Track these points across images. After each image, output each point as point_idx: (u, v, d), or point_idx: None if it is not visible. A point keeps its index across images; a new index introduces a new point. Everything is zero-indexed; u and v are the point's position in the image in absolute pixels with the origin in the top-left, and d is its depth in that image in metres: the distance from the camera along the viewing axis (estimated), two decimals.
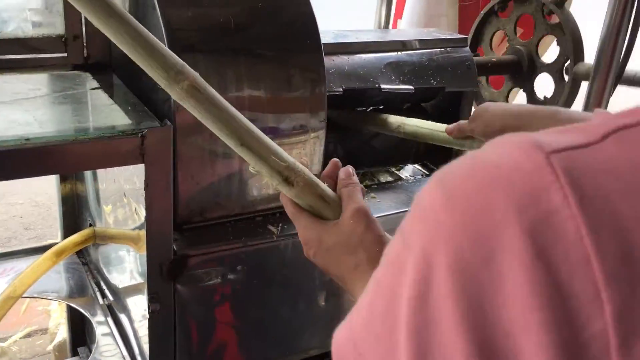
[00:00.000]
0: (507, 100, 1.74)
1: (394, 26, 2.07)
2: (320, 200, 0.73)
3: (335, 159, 0.80)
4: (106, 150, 0.83)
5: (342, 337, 0.39)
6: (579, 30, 1.60)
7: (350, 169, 0.77)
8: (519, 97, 1.87)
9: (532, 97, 1.69)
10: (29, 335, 2.47)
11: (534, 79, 1.70)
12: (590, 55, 1.50)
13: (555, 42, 1.65)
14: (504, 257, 0.28)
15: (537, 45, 1.69)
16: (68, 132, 0.83)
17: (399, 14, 2.07)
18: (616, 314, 0.25)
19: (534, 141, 0.29)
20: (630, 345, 0.25)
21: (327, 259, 0.71)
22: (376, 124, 1.28)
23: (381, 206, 1.21)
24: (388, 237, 0.70)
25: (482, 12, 1.77)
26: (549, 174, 0.28)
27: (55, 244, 1.49)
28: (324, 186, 0.75)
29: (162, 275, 0.95)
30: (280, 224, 1.07)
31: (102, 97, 0.96)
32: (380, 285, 0.36)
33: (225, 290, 1.02)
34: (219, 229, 1.04)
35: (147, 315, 0.99)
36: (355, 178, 0.75)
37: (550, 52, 1.79)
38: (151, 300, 0.95)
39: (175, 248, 0.96)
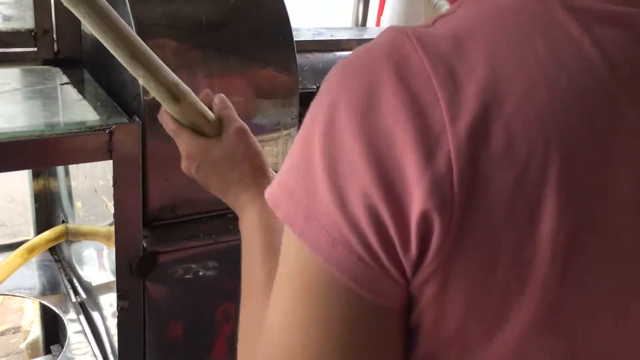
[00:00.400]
0: None
1: (378, 22, 2.09)
2: (202, 117, 0.77)
3: (207, 90, 0.82)
4: (74, 146, 0.83)
5: (274, 187, 0.48)
6: None
7: (223, 96, 0.81)
8: None
9: None
10: (2, 333, 2.44)
11: None
12: None
13: None
14: (381, 87, 0.43)
15: None
16: (36, 127, 0.82)
17: (381, 10, 2.09)
18: (447, 102, 0.41)
19: (398, 27, 0.46)
20: (457, 119, 0.41)
21: (210, 173, 0.76)
22: None
23: None
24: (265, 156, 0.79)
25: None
26: (404, 37, 0.44)
27: (28, 240, 1.48)
28: (205, 107, 0.78)
29: (131, 273, 0.95)
30: None
31: (71, 92, 0.96)
32: (298, 139, 0.47)
33: (195, 287, 1.02)
34: (190, 226, 1.03)
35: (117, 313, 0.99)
36: (229, 103, 0.80)
37: None
38: (120, 297, 0.95)
39: (144, 245, 0.96)
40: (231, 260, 1.05)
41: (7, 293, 1.40)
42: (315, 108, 0.46)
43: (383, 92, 0.42)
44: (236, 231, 1.04)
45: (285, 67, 1.08)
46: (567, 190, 0.41)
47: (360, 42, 1.39)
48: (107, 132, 0.84)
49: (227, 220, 1.07)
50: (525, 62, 0.43)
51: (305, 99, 1.23)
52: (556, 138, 0.41)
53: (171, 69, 0.96)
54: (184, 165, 0.79)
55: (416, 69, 0.42)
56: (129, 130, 0.86)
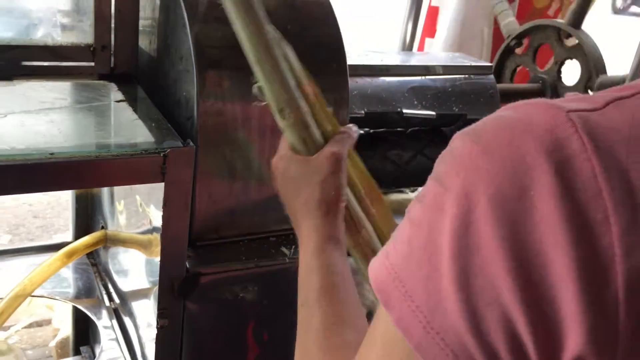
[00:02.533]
0: None
1: (422, 45, 2.07)
2: (301, 144, 0.73)
3: (353, 126, 0.80)
4: (127, 168, 0.83)
5: (381, 274, 0.41)
6: (598, 48, 1.61)
7: (351, 125, 0.78)
8: None
9: None
10: (29, 326, 2.48)
11: None
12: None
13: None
14: (536, 191, 0.35)
15: (558, 71, 1.70)
16: (91, 147, 0.83)
17: (428, 32, 2.06)
18: (622, 228, 0.34)
19: (552, 103, 0.38)
20: (633, 251, 0.34)
21: (287, 188, 0.73)
22: None
23: None
24: (348, 191, 0.74)
25: (497, 52, 1.78)
26: (570, 126, 0.36)
27: (66, 243, 1.50)
28: (313, 131, 0.74)
29: (173, 292, 0.95)
30: (293, 247, 1.07)
31: (126, 110, 0.97)
32: (418, 224, 0.40)
33: (234, 309, 1.02)
34: (233, 248, 1.04)
35: (155, 327, 0.99)
36: (355, 130, 0.77)
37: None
38: (160, 315, 0.95)
39: (188, 265, 0.96)
40: (270, 285, 1.05)
41: (41, 295, 1.42)
42: (441, 192, 0.39)
43: (539, 199, 0.35)
44: (277, 256, 1.05)
45: (337, 94, 1.08)
46: None
47: (411, 69, 1.39)
48: (161, 155, 0.84)
49: (269, 243, 1.07)
50: None
51: (352, 123, 1.22)
52: None
53: (227, 91, 0.96)
54: (272, 162, 0.77)
55: (584, 176, 0.35)
56: (183, 155, 0.86)
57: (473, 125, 0.40)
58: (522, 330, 0.35)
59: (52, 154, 0.78)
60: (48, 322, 2.41)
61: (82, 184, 0.97)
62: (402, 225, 0.42)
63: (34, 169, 0.77)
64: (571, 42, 1.66)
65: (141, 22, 1.11)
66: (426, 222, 0.40)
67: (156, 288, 0.97)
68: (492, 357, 0.36)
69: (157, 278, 0.94)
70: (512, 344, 0.36)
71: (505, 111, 0.40)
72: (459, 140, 0.40)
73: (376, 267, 0.42)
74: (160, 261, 0.93)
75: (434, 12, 2.15)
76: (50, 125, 0.87)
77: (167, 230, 0.91)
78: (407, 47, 1.60)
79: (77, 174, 0.81)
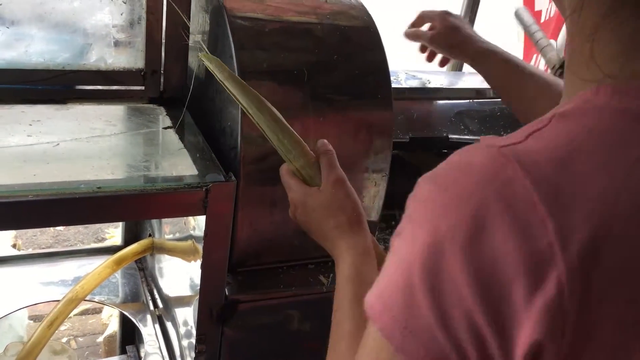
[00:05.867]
0: None
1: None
2: (311, 169, 0.85)
3: (323, 140, 0.90)
4: (171, 202, 0.86)
5: (372, 297, 0.50)
6: None
7: (324, 141, 0.88)
8: None
9: None
10: (82, 313, 2.59)
11: None
12: None
13: None
14: (488, 217, 0.43)
15: None
16: (137, 181, 0.85)
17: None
18: (556, 228, 0.42)
19: (487, 143, 0.47)
20: (568, 245, 0.42)
21: (309, 219, 0.83)
22: None
23: None
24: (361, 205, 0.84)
25: None
26: (502, 158, 0.45)
27: (116, 246, 1.56)
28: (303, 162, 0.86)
29: (211, 319, 0.98)
30: (331, 275, 1.08)
31: (173, 138, 0.99)
32: (399, 256, 0.49)
33: (271, 336, 1.04)
34: (271, 275, 1.05)
35: (194, 346, 1.02)
36: (330, 147, 0.87)
37: None
38: (199, 341, 0.98)
39: (227, 292, 0.99)
40: (307, 313, 1.07)
41: (91, 299, 1.48)
42: (414, 228, 0.48)
43: (489, 220, 0.43)
44: (315, 285, 1.06)
45: (382, 120, 1.07)
46: None
47: (459, 92, 1.36)
48: (203, 189, 0.86)
49: (307, 271, 1.08)
50: (631, 182, 0.44)
51: (397, 148, 1.22)
52: None
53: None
54: (290, 210, 0.87)
55: (520, 194, 0.43)
56: (224, 189, 0.88)
57: (430, 172, 0.50)
58: (483, 325, 0.43)
59: (99, 187, 0.81)
60: (99, 310, 2.50)
61: (126, 217, 1.00)
62: (387, 257, 0.51)
63: (81, 202, 0.80)
64: None
65: (191, 43, 1.13)
66: (404, 254, 0.48)
67: (197, 298, 0.99)
68: (457, 348, 0.44)
69: (199, 288, 0.96)
70: (474, 334, 0.43)
71: (454, 156, 0.49)
72: (422, 183, 0.50)
73: (369, 294, 0.51)
74: (200, 288, 0.96)
75: None
76: (99, 154, 0.90)
77: (207, 259, 0.93)
78: (457, 67, 1.57)
79: (122, 208, 0.84)
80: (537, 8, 2.41)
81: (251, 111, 0.85)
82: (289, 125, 0.87)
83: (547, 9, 2.41)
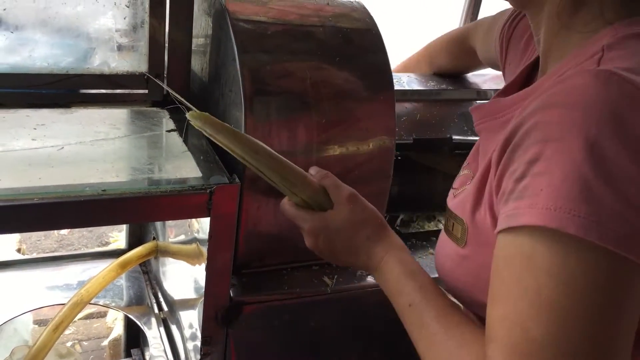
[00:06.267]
0: None
1: None
2: (316, 194, 0.85)
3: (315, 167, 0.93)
4: (175, 204, 0.86)
5: (539, 213, 0.55)
6: None
7: (316, 167, 0.91)
8: None
9: None
10: (86, 317, 2.59)
11: None
12: None
13: None
14: (621, 105, 0.55)
15: None
16: (141, 183, 0.86)
17: None
18: None
19: (603, 70, 0.58)
20: None
21: (335, 242, 0.84)
22: None
23: None
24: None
25: None
26: (602, 70, 0.58)
27: (122, 251, 1.56)
28: (312, 180, 0.86)
29: (216, 321, 0.98)
30: (335, 276, 1.08)
31: (176, 141, 0.99)
32: (560, 169, 0.55)
33: (276, 338, 1.04)
34: (276, 277, 1.05)
35: (199, 348, 1.02)
36: (325, 170, 0.88)
37: None
38: (204, 343, 0.98)
39: (231, 294, 0.99)
40: (313, 315, 1.07)
41: (96, 303, 1.48)
42: (561, 143, 0.55)
43: (626, 111, 0.55)
44: (319, 286, 1.07)
45: (385, 122, 1.08)
46: None
47: (462, 93, 1.37)
48: (207, 192, 0.86)
49: (311, 272, 1.09)
50: None
51: (401, 149, 1.22)
52: None
53: (273, 125, 0.98)
54: (308, 241, 0.86)
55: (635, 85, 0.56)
56: (229, 191, 0.88)
57: (542, 105, 0.59)
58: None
59: (104, 190, 0.81)
60: (104, 314, 2.50)
61: (131, 219, 1.00)
62: (529, 181, 0.58)
63: (87, 205, 0.81)
64: None
65: (194, 47, 1.13)
66: (559, 164, 0.55)
67: (202, 300, 0.99)
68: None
69: (203, 291, 0.97)
70: None
71: (555, 89, 0.59)
72: (543, 113, 0.58)
73: (542, 213, 0.55)
74: (205, 290, 0.96)
75: None
76: (103, 157, 0.90)
77: (212, 261, 0.93)
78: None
79: (127, 210, 0.84)
80: None
81: (248, 157, 0.82)
82: (287, 160, 0.85)
83: None
